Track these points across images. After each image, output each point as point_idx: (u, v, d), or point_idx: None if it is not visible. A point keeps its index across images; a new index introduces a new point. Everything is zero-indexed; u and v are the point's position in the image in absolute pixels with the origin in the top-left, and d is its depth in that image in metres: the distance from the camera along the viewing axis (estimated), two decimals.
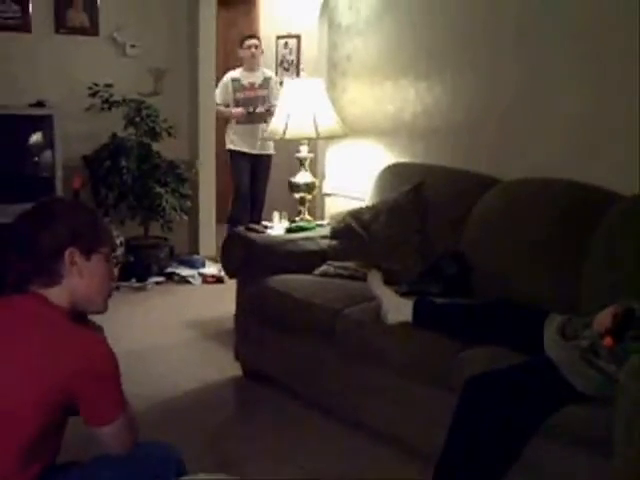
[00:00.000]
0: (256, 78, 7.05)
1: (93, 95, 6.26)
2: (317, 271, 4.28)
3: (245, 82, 7.04)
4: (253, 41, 7.07)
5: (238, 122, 7.14)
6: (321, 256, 4.38)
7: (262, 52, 7.16)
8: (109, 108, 6.31)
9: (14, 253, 2.08)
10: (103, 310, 2.20)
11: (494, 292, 3.67)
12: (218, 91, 7.15)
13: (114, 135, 6.34)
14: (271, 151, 7.27)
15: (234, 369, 4.52)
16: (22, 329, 2.02)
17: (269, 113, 6.66)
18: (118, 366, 2.04)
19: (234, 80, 7.07)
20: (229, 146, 7.27)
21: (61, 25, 6.36)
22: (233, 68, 7.22)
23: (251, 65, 7.06)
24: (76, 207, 2.25)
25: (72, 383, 1.95)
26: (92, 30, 6.54)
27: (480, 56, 4.35)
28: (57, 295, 2.07)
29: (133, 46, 6.75)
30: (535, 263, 3.60)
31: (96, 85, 6.26)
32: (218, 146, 7.32)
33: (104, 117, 6.34)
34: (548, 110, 4.03)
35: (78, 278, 2.09)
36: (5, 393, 1.95)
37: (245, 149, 7.20)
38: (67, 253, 2.06)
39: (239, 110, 7.02)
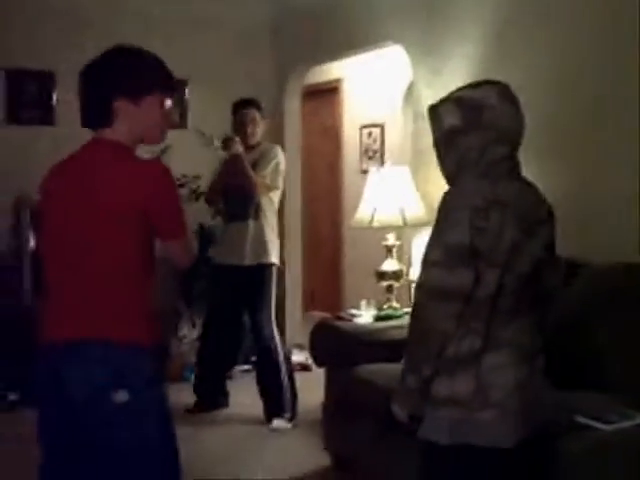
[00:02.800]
0: (247, 158, 5.15)
1: (182, 186, 6.40)
2: None
3: None
4: (248, 112, 5.31)
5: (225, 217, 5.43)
6: None
7: (264, 125, 5.39)
8: (196, 199, 6.44)
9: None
10: (159, 141, 2.70)
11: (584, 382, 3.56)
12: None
13: (201, 226, 6.46)
14: (267, 259, 5.27)
15: (323, 459, 4.48)
16: (99, 165, 2.50)
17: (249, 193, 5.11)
18: (178, 192, 2.62)
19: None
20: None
21: None
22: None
23: (246, 143, 5.23)
24: (120, 54, 2.60)
25: (147, 203, 2.41)
26: (181, 123, 6.76)
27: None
28: (112, 132, 2.52)
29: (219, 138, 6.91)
30: (630, 351, 3.49)
31: (185, 176, 6.41)
32: (302, 233, 7.39)
33: (192, 207, 6.45)
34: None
35: (130, 120, 2.53)
36: (103, 219, 2.42)
37: (228, 260, 5.34)
38: (115, 105, 2.51)
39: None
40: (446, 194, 2.51)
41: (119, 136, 2.55)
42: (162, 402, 2.52)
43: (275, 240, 5.33)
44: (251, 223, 5.20)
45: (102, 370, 2.36)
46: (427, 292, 2.38)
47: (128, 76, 2.55)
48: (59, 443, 2.48)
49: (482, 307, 2.40)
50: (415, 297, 2.44)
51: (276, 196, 5.33)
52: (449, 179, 2.64)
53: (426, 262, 2.41)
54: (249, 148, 5.21)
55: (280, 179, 5.28)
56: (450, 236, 2.37)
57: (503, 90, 2.54)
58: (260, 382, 5.35)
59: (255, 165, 5.14)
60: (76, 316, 2.44)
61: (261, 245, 5.22)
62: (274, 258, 5.28)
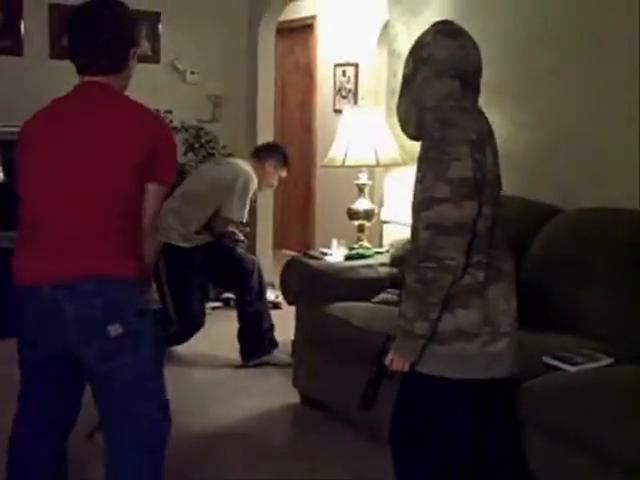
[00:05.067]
0: None
1: None
2: (376, 299, 4.26)
3: None
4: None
5: None
6: (380, 284, 4.37)
7: None
8: None
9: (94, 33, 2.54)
10: None
11: (555, 324, 3.63)
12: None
13: None
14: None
15: (292, 396, 4.53)
16: (104, 108, 2.53)
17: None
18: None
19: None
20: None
21: None
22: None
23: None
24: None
25: (153, 142, 2.49)
26: (154, 57, 6.66)
27: (542, 85, 4.33)
28: (115, 82, 2.57)
29: (193, 73, 6.84)
30: (601, 295, 3.55)
31: (156, 111, 6.33)
32: None
33: None
34: (611, 140, 4.00)
35: (129, 72, 2.63)
36: (105, 156, 2.45)
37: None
38: (132, 51, 2.61)
39: None
40: (435, 130, 2.49)
41: (114, 84, 2.58)
42: (153, 331, 2.59)
43: None
44: None
45: (97, 305, 2.42)
46: (439, 230, 2.37)
47: (135, 25, 2.69)
48: (46, 374, 2.59)
49: (482, 240, 2.45)
50: (424, 239, 2.40)
51: None
52: (404, 123, 2.69)
53: (431, 200, 2.39)
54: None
55: None
56: (454, 171, 2.37)
57: (442, 27, 2.60)
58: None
59: None
60: (70, 254, 2.44)
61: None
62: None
